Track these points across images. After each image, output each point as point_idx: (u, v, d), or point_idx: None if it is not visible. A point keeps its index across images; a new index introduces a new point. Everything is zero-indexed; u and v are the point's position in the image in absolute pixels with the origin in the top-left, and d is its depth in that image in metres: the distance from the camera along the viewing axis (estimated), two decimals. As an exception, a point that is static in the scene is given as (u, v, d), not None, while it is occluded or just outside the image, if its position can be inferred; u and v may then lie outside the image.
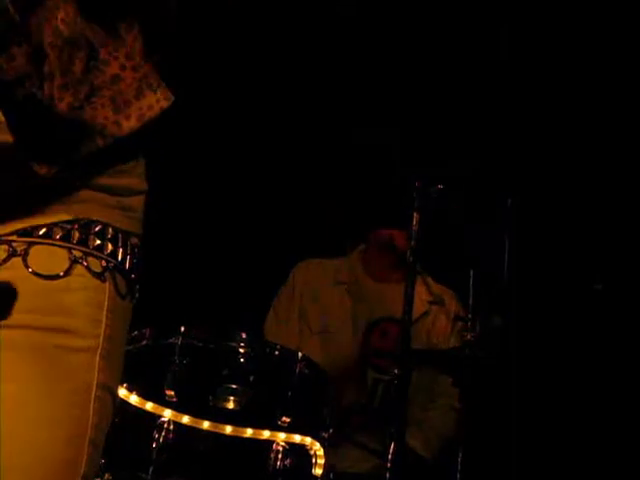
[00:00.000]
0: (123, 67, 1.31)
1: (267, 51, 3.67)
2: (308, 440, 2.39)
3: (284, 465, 2.31)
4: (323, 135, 3.82)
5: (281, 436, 2.32)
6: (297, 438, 2.36)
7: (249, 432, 2.29)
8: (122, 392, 2.31)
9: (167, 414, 2.28)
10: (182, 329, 2.35)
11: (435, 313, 3.44)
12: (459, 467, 2.84)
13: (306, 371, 2.39)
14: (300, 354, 2.39)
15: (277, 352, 2.41)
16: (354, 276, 3.53)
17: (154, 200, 1.45)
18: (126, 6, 1.32)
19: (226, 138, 3.85)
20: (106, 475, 2.27)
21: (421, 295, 3.31)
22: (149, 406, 2.30)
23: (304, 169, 3.92)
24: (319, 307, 3.46)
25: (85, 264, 1.32)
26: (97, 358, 1.31)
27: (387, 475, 2.66)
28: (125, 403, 2.30)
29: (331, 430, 2.52)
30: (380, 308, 3.46)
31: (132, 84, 1.31)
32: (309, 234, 3.92)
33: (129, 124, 1.30)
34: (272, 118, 3.82)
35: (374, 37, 3.62)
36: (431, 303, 3.45)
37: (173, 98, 1.34)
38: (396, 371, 2.74)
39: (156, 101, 1.33)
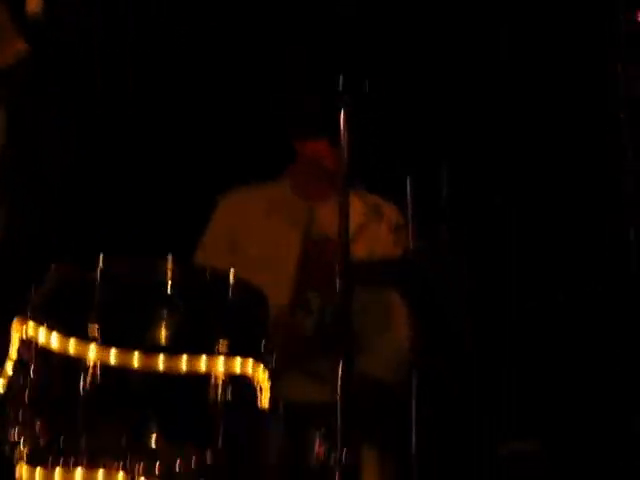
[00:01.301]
0: None
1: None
2: (250, 363, 2.21)
3: (225, 398, 2.14)
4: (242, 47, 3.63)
5: (220, 361, 2.14)
6: (238, 361, 2.18)
7: (184, 359, 2.11)
8: (42, 332, 2.13)
9: (92, 349, 2.09)
10: (103, 261, 2.16)
11: (373, 226, 3.26)
12: (414, 390, 2.70)
13: (239, 292, 2.21)
14: (232, 275, 2.21)
15: (207, 276, 2.23)
16: (284, 199, 3.36)
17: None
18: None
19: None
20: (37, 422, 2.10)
21: (356, 209, 3.12)
22: (72, 342, 2.10)
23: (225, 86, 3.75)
24: (251, 237, 3.28)
25: None
26: None
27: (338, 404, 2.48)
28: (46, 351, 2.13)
29: (275, 357, 2.36)
30: (315, 229, 3.29)
31: None
32: (235, 160, 3.76)
33: None
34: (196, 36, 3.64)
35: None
36: (368, 216, 3.28)
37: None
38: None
39: None
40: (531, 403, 3.51)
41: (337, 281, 2.54)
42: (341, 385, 2.37)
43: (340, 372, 2.38)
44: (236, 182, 3.44)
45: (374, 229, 3.24)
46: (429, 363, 2.84)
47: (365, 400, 2.70)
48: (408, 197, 2.70)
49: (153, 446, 2.09)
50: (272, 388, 2.25)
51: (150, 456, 2.16)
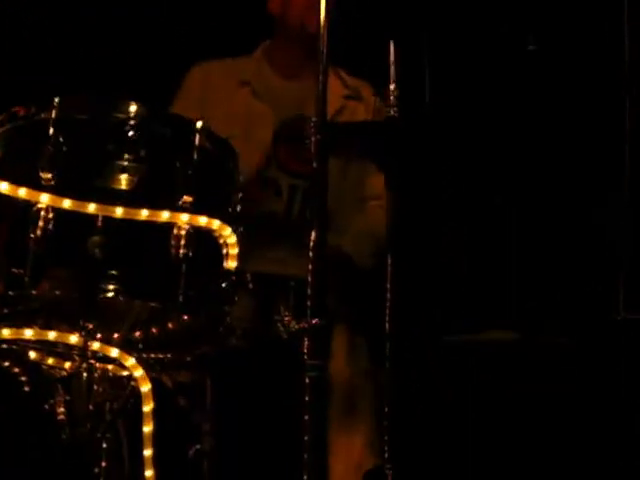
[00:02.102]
0: None
1: None
2: (216, 223, 2.05)
3: (188, 253, 1.97)
4: None
5: (183, 217, 1.97)
6: (203, 220, 2.01)
7: (144, 214, 1.94)
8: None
9: (44, 199, 1.91)
10: (56, 100, 1.96)
11: (352, 108, 3.07)
12: (389, 273, 2.54)
13: (207, 144, 2.04)
14: (200, 123, 2.02)
15: (172, 121, 2.04)
16: (260, 75, 3.15)
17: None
18: None
19: None
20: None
21: (335, 90, 2.92)
22: (22, 192, 1.92)
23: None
24: (222, 112, 3.07)
25: None
26: None
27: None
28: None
29: (241, 227, 2.19)
30: (290, 108, 3.09)
31: None
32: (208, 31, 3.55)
33: None
34: None
35: None
36: (347, 98, 3.08)
37: None
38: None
39: None
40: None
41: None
42: (313, 259, 2.20)
43: (312, 245, 2.21)
44: (208, 56, 3.23)
45: (353, 112, 3.06)
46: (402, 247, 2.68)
47: (336, 274, 2.54)
48: (391, 60, 2.50)
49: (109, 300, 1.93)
50: (240, 247, 2.09)
51: (108, 315, 2.03)
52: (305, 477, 1.96)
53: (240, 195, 2.21)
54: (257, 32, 3.26)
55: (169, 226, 1.96)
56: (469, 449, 3.14)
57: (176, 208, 1.97)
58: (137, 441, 2.10)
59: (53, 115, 1.95)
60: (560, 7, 3.15)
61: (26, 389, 2.14)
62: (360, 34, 3.07)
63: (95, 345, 2.03)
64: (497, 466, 3.09)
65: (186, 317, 2.06)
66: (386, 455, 2.28)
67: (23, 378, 2.14)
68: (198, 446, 2.36)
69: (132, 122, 1.97)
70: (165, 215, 1.96)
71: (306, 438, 1.98)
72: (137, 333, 2.20)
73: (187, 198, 1.98)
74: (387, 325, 2.45)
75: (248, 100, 3.10)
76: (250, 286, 2.38)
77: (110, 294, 1.91)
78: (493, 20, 3.30)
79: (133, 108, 1.99)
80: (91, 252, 1.92)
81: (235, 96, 3.10)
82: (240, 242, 2.14)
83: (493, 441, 3.12)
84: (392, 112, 2.52)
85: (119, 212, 1.92)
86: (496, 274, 3.37)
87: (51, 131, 1.94)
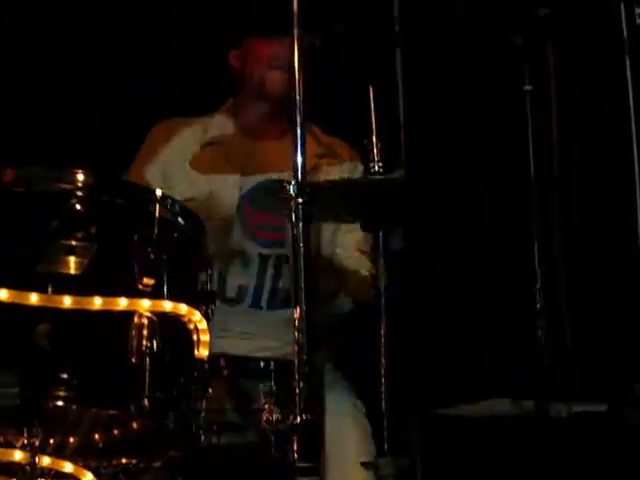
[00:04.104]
0: None
1: None
2: (184, 309, 1.74)
3: (151, 344, 1.67)
4: None
5: (144, 304, 1.66)
6: (167, 306, 1.71)
7: (97, 303, 1.63)
8: None
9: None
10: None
11: (325, 168, 2.80)
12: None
13: (169, 216, 1.74)
14: (159, 192, 1.73)
15: (127, 191, 1.73)
16: (224, 134, 2.89)
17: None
18: None
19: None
20: None
21: (308, 148, 2.65)
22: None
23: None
24: (186, 173, 2.80)
25: None
26: None
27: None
28: None
29: (213, 304, 1.90)
30: (256, 167, 2.83)
31: None
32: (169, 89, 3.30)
33: None
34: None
35: None
36: (320, 157, 2.82)
37: None
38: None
39: None
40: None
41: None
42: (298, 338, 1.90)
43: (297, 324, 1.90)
44: (171, 114, 2.98)
45: (327, 171, 2.79)
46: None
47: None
48: (371, 105, 2.23)
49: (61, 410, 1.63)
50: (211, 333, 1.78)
51: (57, 425, 1.71)
52: None
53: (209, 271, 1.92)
54: (221, 88, 3.03)
55: (128, 315, 1.65)
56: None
57: (135, 293, 1.66)
58: None
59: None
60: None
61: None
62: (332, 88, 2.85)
63: (45, 460, 1.70)
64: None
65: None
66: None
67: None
68: None
69: (79, 193, 1.67)
70: (123, 302, 1.65)
71: None
72: (96, 436, 1.88)
73: (148, 280, 1.67)
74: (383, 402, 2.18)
75: (212, 161, 2.83)
76: (225, 372, 2.09)
77: (60, 402, 1.59)
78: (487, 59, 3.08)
79: (80, 177, 1.69)
80: (38, 343, 1.62)
81: (199, 156, 2.84)
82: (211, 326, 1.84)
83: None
84: (376, 167, 2.26)
85: (67, 302, 1.61)
86: (490, 340, 3.12)
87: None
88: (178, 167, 2.81)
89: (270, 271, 2.76)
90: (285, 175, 2.46)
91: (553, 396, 2.53)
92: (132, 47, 3.42)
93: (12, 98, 3.24)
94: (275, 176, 2.74)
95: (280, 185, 1.98)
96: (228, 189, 2.79)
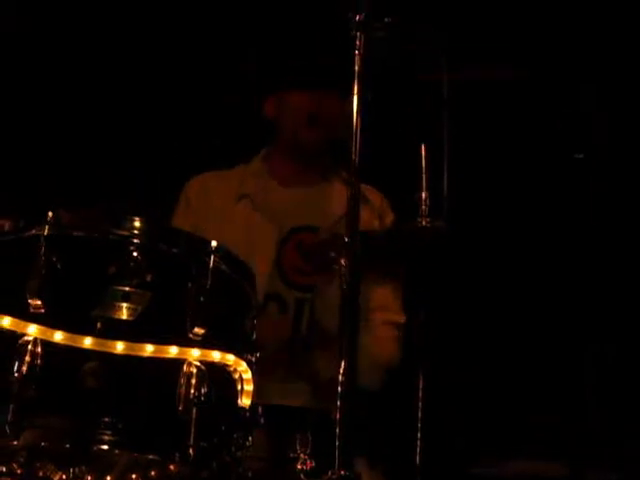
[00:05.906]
0: None
1: None
2: (231, 358, 1.77)
3: (199, 393, 1.69)
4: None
5: (194, 353, 1.69)
6: (216, 356, 1.73)
7: (149, 349, 1.66)
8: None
9: (32, 331, 1.62)
10: (50, 215, 1.70)
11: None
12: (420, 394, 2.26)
13: (223, 266, 1.76)
14: (214, 243, 1.75)
15: (183, 241, 1.76)
16: (258, 185, 2.89)
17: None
18: None
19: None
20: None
21: (340, 194, 2.67)
22: (6, 322, 1.64)
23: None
24: (221, 226, 2.79)
25: None
26: None
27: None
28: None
29: (257, 354, 1.92)
30: (292, 218, 2.84)
31: None
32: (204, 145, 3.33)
33: None
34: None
35: None
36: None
37: None
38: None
39: None
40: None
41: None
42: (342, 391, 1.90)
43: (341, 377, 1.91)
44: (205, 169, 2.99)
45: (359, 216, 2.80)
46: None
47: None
48: (422, 164, 2.25)
49: (104, 453, 1.65)
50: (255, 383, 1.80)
51: (100, 466, 1.72)
52: None
53: (254, 320, 1.94)
54: (255, 139, 3.04)
55: (178, 363, 1.68)
56: None
57: (185, 342, 1.69)
58: None
59: (46, 231, 1.67)
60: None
61: None
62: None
63: (84, 500, 1.72)
64: None
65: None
66: None
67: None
68: None
69: (136, 241, 1.70)
70: (173, 350, 1.68)
71: None
72: (133, 476, 1.90)
73: (199, 330, 1.70)
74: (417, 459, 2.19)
75: (247, 213, 2.84)
76: (262, 421, 2.10)
77: (105, 446, 1.61)
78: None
79: (137, 224, 1.72)
80: (84, 381, 1.64)
81: (234, 209, 2.84)
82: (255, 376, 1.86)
83: None
84: (424, 222, 2.28)
85: (120, 347, 1.64)
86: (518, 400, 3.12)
87: (42, 250, 1.66)
88: (213, 220, 2.79)
89: (306, 315, 2.77)
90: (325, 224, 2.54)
91: (588, 462, 2.52)
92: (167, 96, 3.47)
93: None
94: (309, 224, 2.77)
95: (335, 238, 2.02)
96: (265, 240, 2.80)
